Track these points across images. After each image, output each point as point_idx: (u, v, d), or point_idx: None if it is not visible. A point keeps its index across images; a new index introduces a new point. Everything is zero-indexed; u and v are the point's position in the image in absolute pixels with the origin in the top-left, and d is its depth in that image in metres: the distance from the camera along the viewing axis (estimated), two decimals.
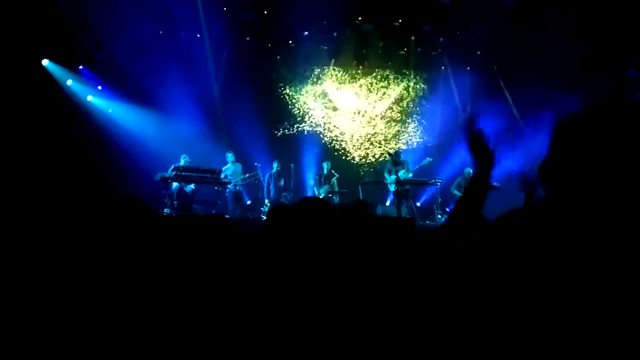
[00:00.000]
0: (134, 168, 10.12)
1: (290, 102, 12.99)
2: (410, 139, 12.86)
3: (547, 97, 11.03)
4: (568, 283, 0.77)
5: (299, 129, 12.93)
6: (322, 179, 10.97)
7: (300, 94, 13.00)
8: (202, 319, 1.87)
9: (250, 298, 1.70)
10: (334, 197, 10.86)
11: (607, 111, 0.87)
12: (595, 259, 0.76)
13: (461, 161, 11.88)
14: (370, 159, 13.07)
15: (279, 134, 12.75)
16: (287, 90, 12.96)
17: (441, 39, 11.97)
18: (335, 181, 11.07)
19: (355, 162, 13.10)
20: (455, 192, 10.59)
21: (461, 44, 11.90)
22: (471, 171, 10.61)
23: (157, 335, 1.83)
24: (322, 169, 11.15)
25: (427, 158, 10.49)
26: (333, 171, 11.13)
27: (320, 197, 9.78)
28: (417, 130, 12.98)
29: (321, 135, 13.02)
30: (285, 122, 12.85)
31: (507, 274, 0.89)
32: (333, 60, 12.61)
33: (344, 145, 13.12)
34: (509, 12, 10.83)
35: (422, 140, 12.74)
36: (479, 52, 12.05)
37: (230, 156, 10.64)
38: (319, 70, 13.04)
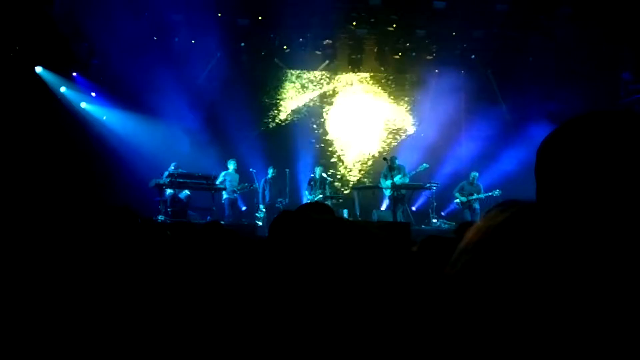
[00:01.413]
0: (128, 175, 10.07)
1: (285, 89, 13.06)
2: (406, 141, 12.84)
3: (541, 100, 11.07)
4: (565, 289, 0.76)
5: (290, 118, 12.97)
6: (316, 184, 10.87)
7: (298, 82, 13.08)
8: (199, 327, 1.84)
9: (249, 307, 1.67)
10: (328, 203, 10.82)
11: (596, 122, 0.87)
12: (586, 264, 0.76)
13: (457, 165, 11.89)
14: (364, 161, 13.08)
15: (270, 125, 12.80)
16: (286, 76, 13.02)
17: (435, 44, 12.01)
18: (328, 186, 11.02)
19: (348, 164, 13.10)
20: (457, 195, 10.60)
21: (455, 49, 11.94)
22: (477, 175, 10.68)
23: (151, 343, 1.80)
24: (315, 173, 11.06)
25: (424, 164, 10.47)
26: (325, 175, 11.08)
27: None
28: (413, 130, 13.00)
29: (314, 127, 13.06)
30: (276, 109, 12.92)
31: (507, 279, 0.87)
32: (327, 61, 12.59)
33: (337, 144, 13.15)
34: (502, 16, 10.89)
35: (417, 143, 12.72)
36: (473, 56, 12.09)
37: (232, 163, 10.61)
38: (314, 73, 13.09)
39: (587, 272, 0.76)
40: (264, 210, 10.63)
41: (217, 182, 10.12)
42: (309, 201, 10.41)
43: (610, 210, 0.78)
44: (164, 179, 9.59)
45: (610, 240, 0.75)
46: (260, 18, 11.34)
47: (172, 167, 9.93)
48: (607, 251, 0.75)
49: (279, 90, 13.08)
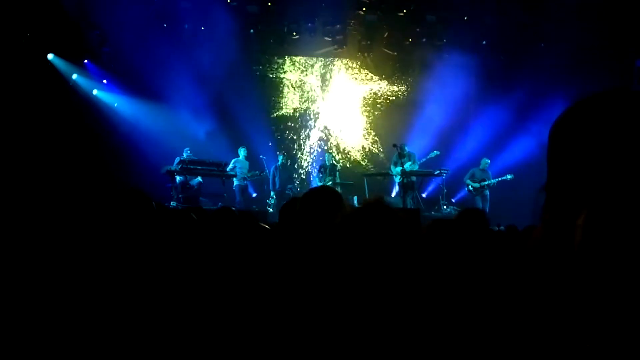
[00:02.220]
0: (140, 161, 10.16)
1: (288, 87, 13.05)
2: (416, 127, 12.79)
3: (553, 87, 10.96)
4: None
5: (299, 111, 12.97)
6: (326, 171, 10.89)
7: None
8: (207, 313, 1.88)
9: (257, 294, 1.71)
10: (338, 189, 10.84)
11: (610, 102, 0.85)
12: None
13: (467, 152, 11.84)
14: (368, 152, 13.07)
15: (280, 112, 12.81)
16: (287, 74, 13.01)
17: (446, 30, 11.89)
18: (339, 173, 11.04)
19: (357, 150, 13.10)
20: (469, 181, 10.58)
21: (466, 34, 11.81)
22: (488, 161, 10.63)
23: (160, 332, 1.84)
24: (325, 160, 11.09)
25: (435, 151, 10.45)
26: (335, 162, 11.08)
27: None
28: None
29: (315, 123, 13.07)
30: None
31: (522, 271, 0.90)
32: (336, 47, 12.49)
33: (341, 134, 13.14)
34: (514, 2, 10.75)
35: (428, 129, 12.68)
36: (484, 42, 11.96)
37: (242, 151, 10.68)
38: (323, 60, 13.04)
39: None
40: (274, 196, 10.68)
41: (228, 169, 10.19)
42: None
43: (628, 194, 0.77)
44: (175, 166, 9.67)
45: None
46: (269, 4, 11.30)
47: (186, 153, 10.01)
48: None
49: (288, 77, 13.05)
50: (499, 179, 10.32)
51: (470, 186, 10.56)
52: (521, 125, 11.46)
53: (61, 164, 8.89)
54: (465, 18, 11.47)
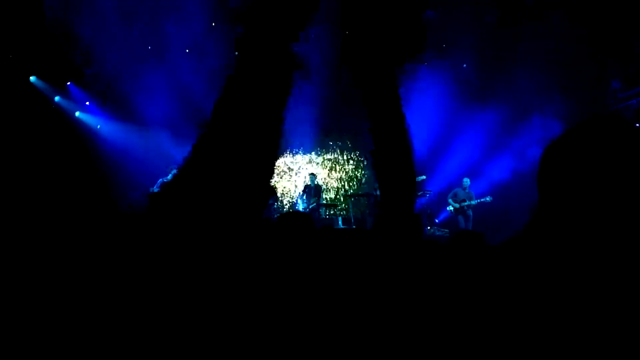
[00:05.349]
0: (122, 184, 10.05)
1: None
2: None
3: (531, 109, 11.18)
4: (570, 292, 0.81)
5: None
6: (311, 192, 10.86)
7: None
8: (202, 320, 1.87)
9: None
10: (322, 210, 10.81)
11: (592, 129, 0.90)
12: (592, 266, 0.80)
13: (450, 172, 11.96)
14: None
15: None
16: None
17: (427, 52, 12.08)
18: (323, 194, 11.04)
19: (343, 172, 13.14)
20: (450, 201, 10.68)
21: (446, 58, 12.03)
22: (469, 181, 10.75)
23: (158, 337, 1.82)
24: (310, 181, 11.08)
25: (422, 176, 10.53)
26: (318, 183, 11.07)
27: (307, 211, 9.78)
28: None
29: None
30: None
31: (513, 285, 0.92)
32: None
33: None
34: (491, 26, 11.01)
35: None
36: (464, 65, 12.19)
37: None
38: None
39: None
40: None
41: None
42: (303, 209, 10.41)
43: (618, 214, 0.82)
44: (156, 188, 9.58)
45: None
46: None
47: (171, 174, 9.93)
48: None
49: None
50: (479, 200, 10.42)
51: (450, 207, 10.68)
52: (501, 146, 11.64)
53: (42, 187, 8.75)
54: (444, 44, 11.71)
